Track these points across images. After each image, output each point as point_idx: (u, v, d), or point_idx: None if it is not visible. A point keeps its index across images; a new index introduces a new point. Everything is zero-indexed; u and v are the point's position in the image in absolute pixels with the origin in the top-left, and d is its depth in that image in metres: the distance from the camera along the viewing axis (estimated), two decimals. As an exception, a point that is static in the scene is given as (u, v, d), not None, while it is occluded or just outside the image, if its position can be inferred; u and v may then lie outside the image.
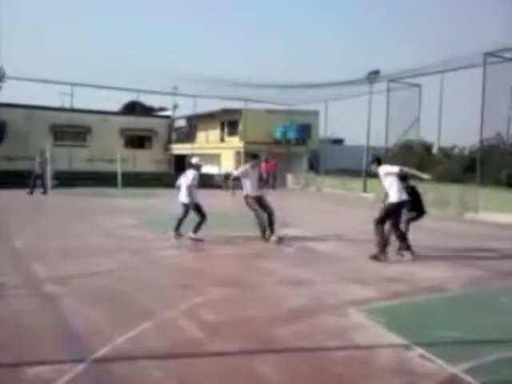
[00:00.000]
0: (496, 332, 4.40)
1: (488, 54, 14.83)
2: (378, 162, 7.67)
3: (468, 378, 3.40)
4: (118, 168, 21.52)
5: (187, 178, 8.78)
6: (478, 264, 7.39)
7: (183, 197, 8.78)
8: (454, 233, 11.08)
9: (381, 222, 7.30)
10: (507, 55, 15.08)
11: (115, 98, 78.47)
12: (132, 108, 34.09)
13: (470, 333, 4.35)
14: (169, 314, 4.60)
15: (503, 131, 16.44)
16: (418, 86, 19.21)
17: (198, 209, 8.65)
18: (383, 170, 7.52)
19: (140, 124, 30.53)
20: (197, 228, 8.54)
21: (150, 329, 4.21)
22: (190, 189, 8.69)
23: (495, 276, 6.71)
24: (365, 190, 19.77)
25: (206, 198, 9.36)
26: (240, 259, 7.41)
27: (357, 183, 20.39)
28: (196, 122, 34.25)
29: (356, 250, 7.43)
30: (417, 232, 10.39)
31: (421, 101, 19.33)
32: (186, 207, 8.75)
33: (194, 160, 9.34)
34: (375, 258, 7.15)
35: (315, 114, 28.73)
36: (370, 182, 20.07)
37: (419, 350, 3.87)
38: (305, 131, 27.67)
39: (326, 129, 28.10)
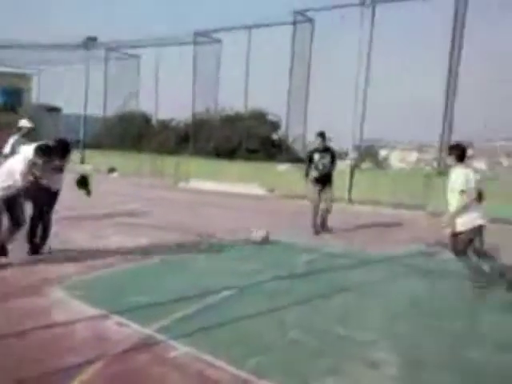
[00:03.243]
0: (187, 291, 4.81)
1: (198, 34, 15.96)
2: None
3: (160, 336, 3.67)
4: None
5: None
6: (178, 229, 7.96)
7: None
8: (168, 200, 11.77)
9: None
10: (215, 36, 16.40)
11: None
12: None
13: (165, 294, 4.65)
14: None
15: (212, 107, 18.11)
16: (137, 57, 19.32)
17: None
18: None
19: None
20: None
21: None
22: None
23: (195, 240, 7.35)
24: (83, 162, 19.00)
25: None
26: None
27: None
28: None
29: (63, 227, 7.03)
30: (132, 201, 10.54)
31: (140, 72, 19.52)
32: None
33: (22, 123, 7.03)
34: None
35: (27, 78, 25.80)
36: (89, 153, 19.47)
37: (116, 318, 3.97)
38: (14, 97, 24.60)
39: (39, 95, 25.64)
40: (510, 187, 10.45)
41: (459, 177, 4.94)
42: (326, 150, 8.05)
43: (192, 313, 4.19)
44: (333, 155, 8.10)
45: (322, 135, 8.08)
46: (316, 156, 7.97)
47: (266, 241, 7.01)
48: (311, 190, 8.06)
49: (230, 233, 7.80)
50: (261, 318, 4.14)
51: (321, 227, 8.01)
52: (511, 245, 7.54)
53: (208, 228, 8.15)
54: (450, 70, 11.00)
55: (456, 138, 13.03)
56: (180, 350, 3.46)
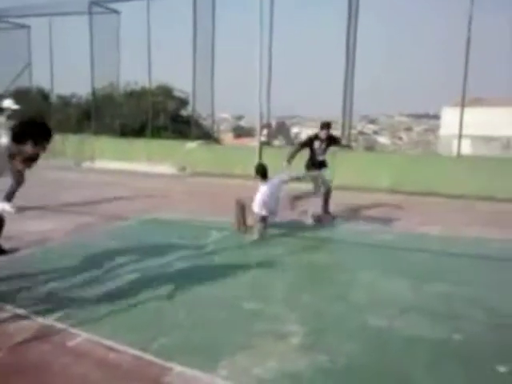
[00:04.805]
0: (91, 275, 4.59)
1: (93, 3, 14.96)
2: None
3: (60, 325, 3.49)
4: None
5: None
6: (87, 211, 7.64)
7: None
8: (71, 182, 11.13)
9: None
10: (112, 6, 15.46)
11: None
12: None
13: (67, 280, 4.41)
14: None
15: (115, 81, 17.18)
16: (27, 27, 17.70)
17: None
18: None
19: None
20: None
21: None
22: None
23: (102, 220, 7.08)
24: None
25: None
26: None
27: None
28: None
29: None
30: (33, 184, 9.91)
31: (31, 44, 17.94)
32: None
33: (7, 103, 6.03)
34: None
35: None
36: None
37: (12, 309, 3.71)
38: None
39: None
40: (408, 161, 11.16)
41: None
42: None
43: (95, 298, 4.00)
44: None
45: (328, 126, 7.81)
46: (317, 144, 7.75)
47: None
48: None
49: (139, 214, 7.56)
50: (167, 299, 4.05)
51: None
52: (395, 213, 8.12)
53: (116, 209, 7.84)
54: (347, 48, 11.36)
55: (358, 113, 13.67)
56: (82, 336, 3.30)
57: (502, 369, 2.98)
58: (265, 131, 13.21)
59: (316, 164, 7.74)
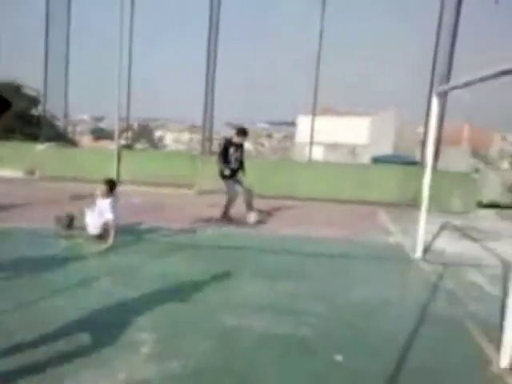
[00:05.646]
0: None
1: None
2: None
3: None
4: None
5: None
6: None
7: None
8: None
9: None
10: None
11: None
12: None
13: None
14: None
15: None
16: None
17: None
18: None
19: None
20: None
21: None
22: None
23: None
24: None
25: None
26: None
27: None
28: None
29: None
30: None
31: None
32: None
33: None
34: None
35: None
36: None
37: None
38: None
39: None
40: (268, 166, 11.63)
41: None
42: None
43: None
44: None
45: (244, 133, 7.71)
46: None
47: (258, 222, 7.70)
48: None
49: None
50: (12, 315, 3.65)
51: (251, 209, 7.82)
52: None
53: None
54: (208, 54, 11.55)
55: (220, 120, 13.94)
56: None
57: (338, 357, 3.23)
58: (127, 134, 12.76)
59: (230, 173, 7.57)
